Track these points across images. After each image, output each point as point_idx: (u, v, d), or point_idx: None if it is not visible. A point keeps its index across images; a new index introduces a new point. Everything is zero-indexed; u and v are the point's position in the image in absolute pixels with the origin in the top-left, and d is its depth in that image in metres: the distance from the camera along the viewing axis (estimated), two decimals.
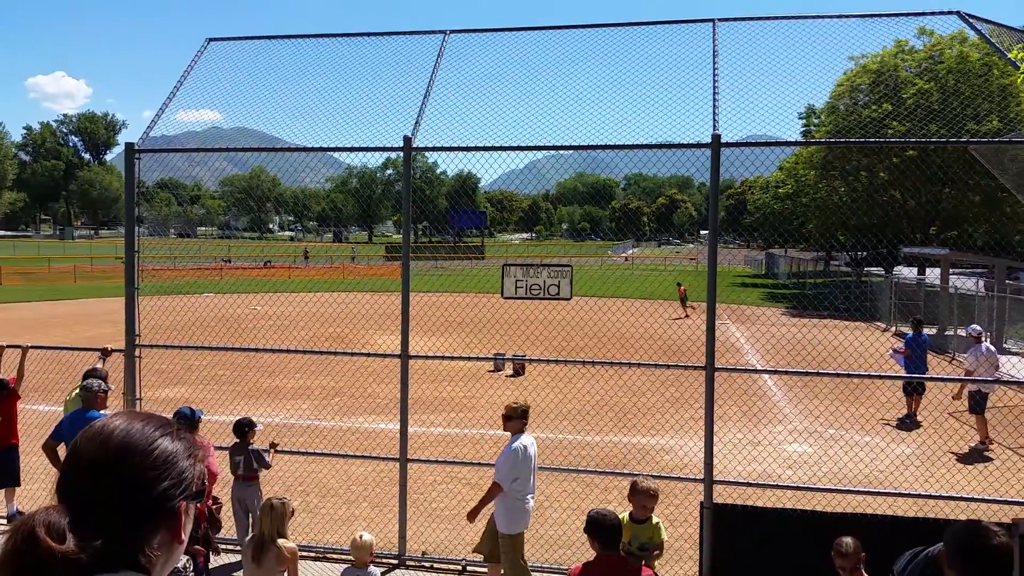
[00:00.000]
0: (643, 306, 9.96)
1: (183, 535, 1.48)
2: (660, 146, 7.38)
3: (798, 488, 8.04)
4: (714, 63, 7.27)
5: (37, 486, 9.46)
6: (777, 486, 8.35)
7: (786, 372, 8.25)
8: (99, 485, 1.40)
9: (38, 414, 11.95)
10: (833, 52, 7.70)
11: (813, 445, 11.69)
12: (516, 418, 6.81)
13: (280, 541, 5.59)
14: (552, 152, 8.16)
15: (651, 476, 7.30)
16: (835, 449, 10.80)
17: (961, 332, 19.25)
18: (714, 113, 7.00)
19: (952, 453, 11.17)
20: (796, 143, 21.09)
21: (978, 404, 11.71)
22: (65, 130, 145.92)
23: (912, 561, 3.46)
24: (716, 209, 7.03)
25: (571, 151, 8.12)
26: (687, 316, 26.49)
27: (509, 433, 6.85)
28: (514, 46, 8.41)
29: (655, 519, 5.74)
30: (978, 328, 13.10)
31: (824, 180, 35.66)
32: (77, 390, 7.79)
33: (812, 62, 7.47)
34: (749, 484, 7.76)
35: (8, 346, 8.90)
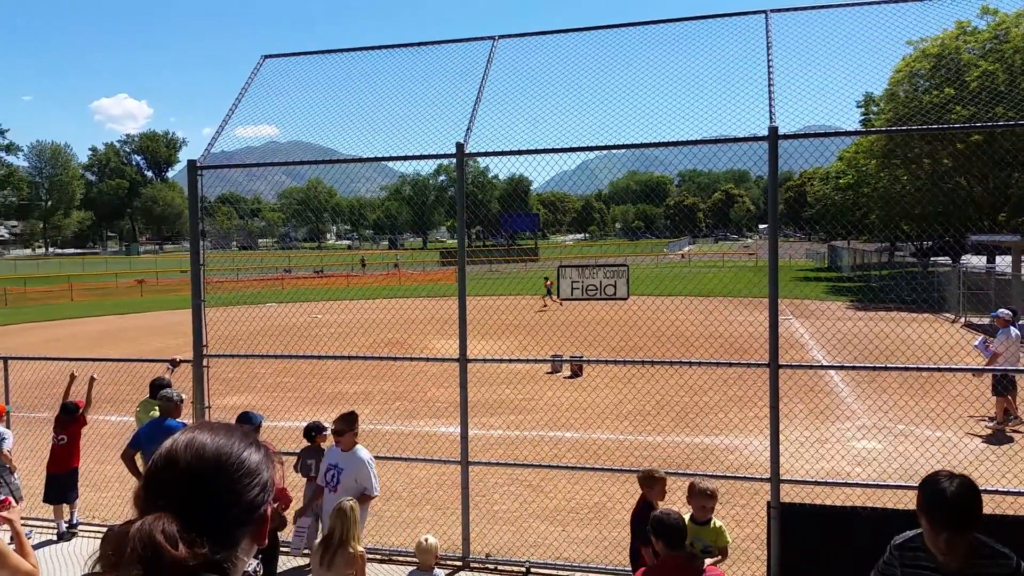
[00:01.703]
0: (702, 304, 9.84)
1: (265, 539, 1.58)
2: (715, 141, 7.28)
3: (868, 485, 7.84)
4: (768, 54, 7.16)
5: (109, 494, 9.82)
6: (846, 484, 8.15)
7: (852, 367, 8.06)
8: (199, 494, 1.47)
9: (110, 424, 12.40)
10: (890, 38, 7.49)
11: (882, 441, 11.38)
12: (349, 431, 6.75)
13: (350, 544, 5.67)
14: (604, 152, 8.13)
15: (714, 476, 7.23)
16: (905, 445, 10.50)
17: None
18: (770, 105, 6.89)
19: None
20: (855, 132, 20.66)
21: (1003, 386, 11.35)
22: (128, 150, 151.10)
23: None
24: (775, 202, 6.91)
25: (623, 150, 8.07)
26: (545, 307, 26.73)
27: (343, 448, 6.79)
28: (563, 48, 8.41)
29: (716, 521, 5.64)
30: (1007, 311, 12.60)
31: (886, 169, 34.70)
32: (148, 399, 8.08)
33: (868, 49, 7.30)
34: (817, 483, 7.59)
35: (75, 376, 9.26)
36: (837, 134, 8.01)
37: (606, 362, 8.33)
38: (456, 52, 8.67)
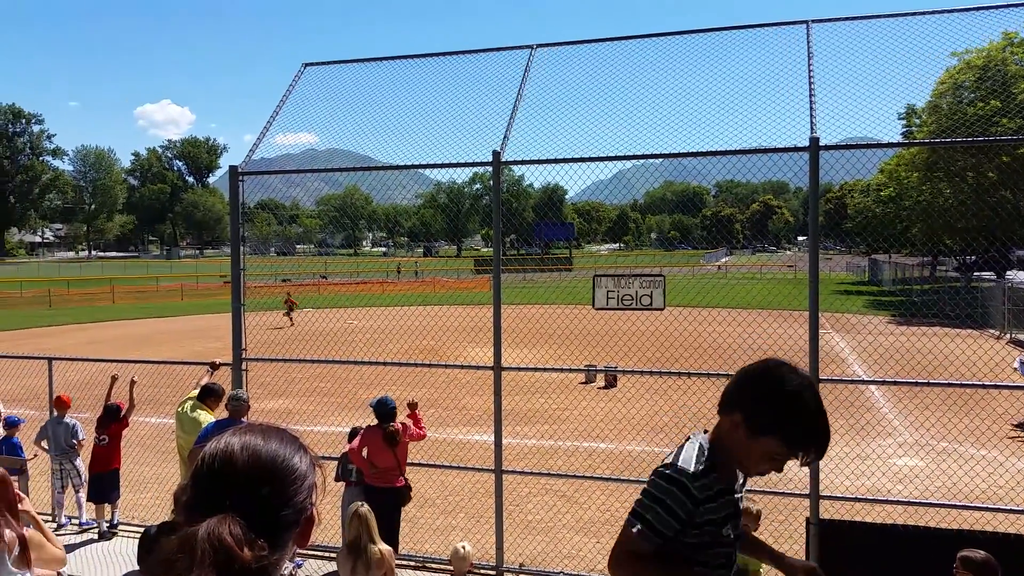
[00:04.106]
0: (740, 316, 9.71)
1: (308, 541, 1.61)
2: (754, 151, 7.20)
3: (909, 503, 7.67)
4: (809, 65, 7.09)
5: (148, 495, 9.99)
6: (887, 501, 7.99)
7: (894, 382, 7.89)
8: (256, 496, 1.49)
9: (149, 426, 12.62)
10: (934, 49, 7.35)
11: (924, 459, 11.13)
12: None
13: (375, 546, 5.70)
14: (640, 161, 8.09)
15: (752, 492, 7.11)
16: (948, 463, 10.26)
17: None
18: (811, 115, 6.81)
19: None
20: (898, 144, 20.26)
21: None
22: (170, 155, 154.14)
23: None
24: (816, 214, 6.82)
25: (659, 159, 8.03)
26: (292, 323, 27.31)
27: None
28: (601, 57, 8.40)
29: None
30: None
31: (928, 182, 34.03)
32: (189, 401, 8.20)
33: (911, 60, 7.17)
34: (857, 499, 7.46)
35: (116, 378, 9.48)
36: (879, 146, 7.89)
37: (641, 373, 8.27)
38: (494, 61, 8.71)
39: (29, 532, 4.10)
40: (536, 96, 8.15)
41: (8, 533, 3.95)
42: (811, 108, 6.83)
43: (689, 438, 2.65)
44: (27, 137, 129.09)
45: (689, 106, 7.96)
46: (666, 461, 2.55)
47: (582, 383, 17.54)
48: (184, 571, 1.36)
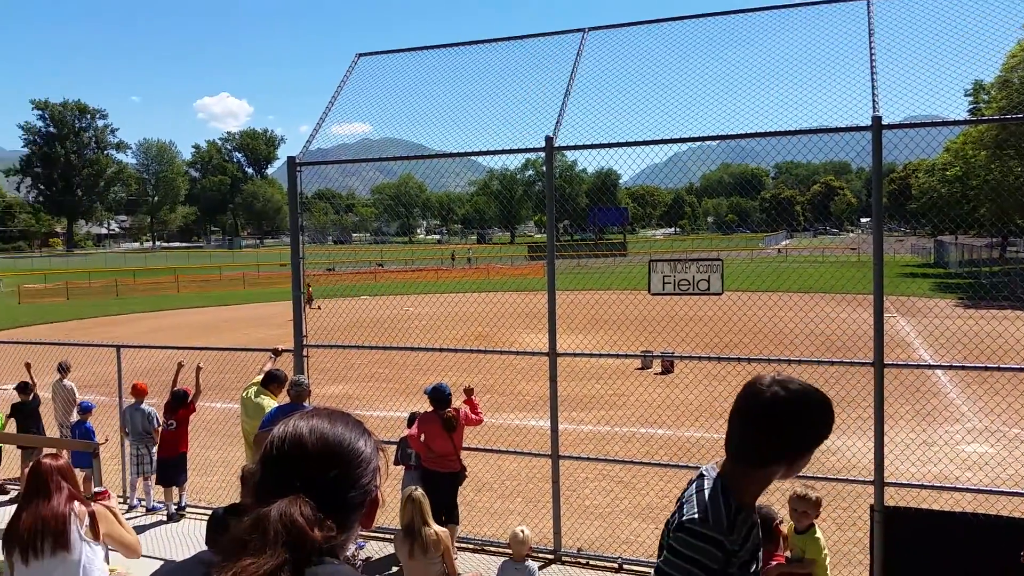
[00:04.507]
0: (801, 300, 9.48)
1: (372, 523, 1.65)
2: (814, 131, 7.02)
3: (978, 491, 7.42)
4: (870, 42, 6.86)
5: (214, 479, 10.28)
6: (955, 488, 7.76)
7: (962, 367, 7.64)
8: (325, 478, 1.52)
9: (215, 411, 12.98)
10: (1002, 22, 7.03)
11: (994, 446, 10.77)
12: None
13: (429, 528, 5.76)
14: (696, 144, 7.95)
15: (815, 478, 6.98)
16: (1021, 450, 9.91)
17: None
18: (873, 94, 6.61)
19: None
20: (964, 122, 19.48)
21: None
22: (229, 147, 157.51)
23: None
24: (880, 195, 6.63)
25: (716, 141, 7.88)
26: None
27: None
28: (655, 38, 8.27)
29: (816, 532, 5.37)
30: None
31: (997, 161, 32.78)
32: (253, 387, 8.40)
33: (978, 34, 6.87)
34: (923, 486, 7.27)
35: (183, 365, 9.80)
36: (945, 123, 7.60)
37: (699, 358, 8.17)
38: (545, 46, 8.65)
39: (99, 509, 4.31)
40: (588, 80, 8.08)
41: (78, 506, 4.18)
42: (873, 86, 6.63)
43: (703, 475, 2.49)
44: (92, 132, 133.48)
45: (746, 86, 7.80)
46: (692, 515, 2.33)
47: (638, 369, 17.43)
48: (257, 551, 1.39)
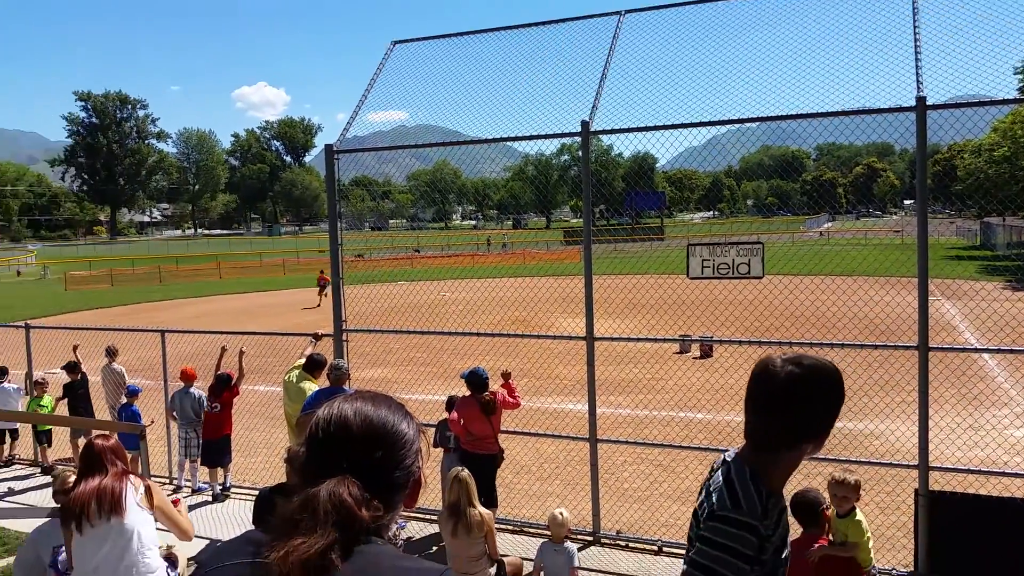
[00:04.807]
0: (844, 283, 9.33)
1: (415, 502, 1.68)
2: (856, 112, 6.87)
3: None
4: (914, 20, 6.70)
5: (258, 460, 10.48)
6: (1002, 473, 7.61)
7: (1010, 351, 7.46)
8: (370, 459, 1.56)
9: (257, 394, 13.22)
10: None
11: None
12: None
13: (473, 508, 5.82)
14: (735, 126, 7.84)
15: (858, 462, 6.91)
16: None
17: None
18: (917, 73, 6.46)
19: None
20: (1013, 101, 18.87)
21: None
22: (268, 136, 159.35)
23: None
24: (924, 176, 6.50)
25: (755, 123, 7.77)
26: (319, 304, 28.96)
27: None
28: (692, 20, 8.14)
29: (858, 514, 5.33)
30: None
31: None
32: (295, 371, 8.53)
33: None
34: (969, 471, 7.13)
35: (226, 349, 9.98)
36: (992, 103, 7.43)
37: (739, 342, 8.09)
38: (581, 29, 8.58)
39: (155, 485, 4.51)
40: (625, 63, 8.00)
41: (134, 477, 4.43)
42: (917, 66, 6.48)
43: (727, 462, 2.46)
44: (133, 122, 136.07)
45: (786, 66, 7.66)
46: (724, 502, 2.31)
47: (676, 353, 17.33)
48: (308, 530, 1.42)
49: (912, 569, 6.57)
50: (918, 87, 6.37)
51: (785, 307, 10.28)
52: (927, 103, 6.30)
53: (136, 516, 4.28)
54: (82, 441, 10.52)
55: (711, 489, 2.43)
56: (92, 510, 4.11)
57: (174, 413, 9.94)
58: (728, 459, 2.50)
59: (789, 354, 2.39)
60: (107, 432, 4.84)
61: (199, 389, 9.96)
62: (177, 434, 10.06)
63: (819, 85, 7.41)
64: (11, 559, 7.63)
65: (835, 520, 5.29)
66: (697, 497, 2.64)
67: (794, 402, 2.29)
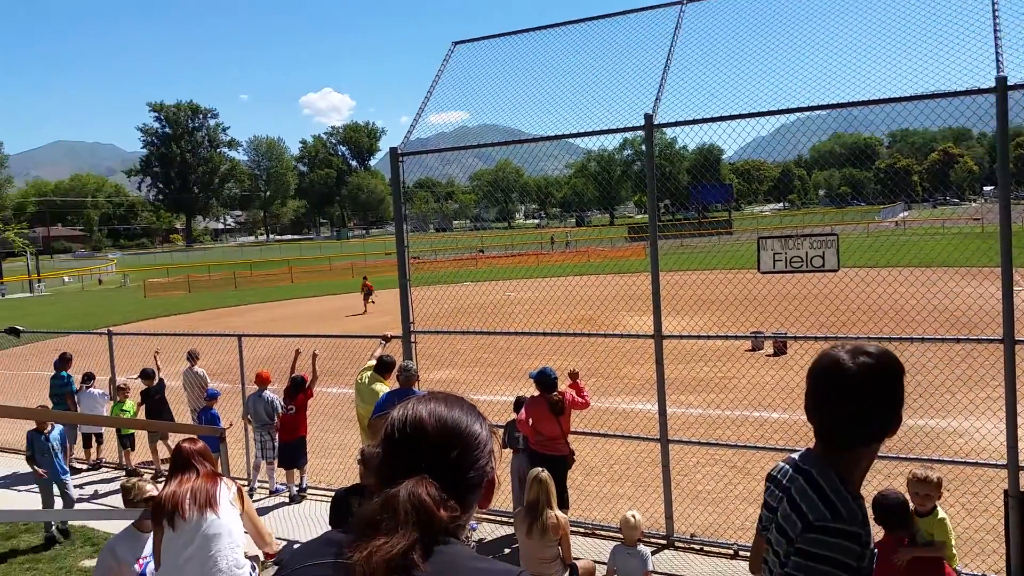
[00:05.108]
0: (922, 274, 8.97)
1: (489, 503, 1.69)
2: (931, 96, 6.59)
3: None
4: None
5: (332, 461, 10.66)
6: None
7: None
8: (446, 460, 1.57)
9: (332, 396, 13.46)
10: None
11: None
12: None
13: (551, 511, 5.80)
14: (804, 114, 7.62)
15: (941, 461, 6.64)
16: None
17: None
18: (996, 53, 6.15)
19: None
20: None
21: None
22: (334, 141, 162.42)
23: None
24: (1006, 161, 6.19)
25: (825, 111, 7.53)
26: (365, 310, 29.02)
27: None
28: (755, 5, 7.96)
29: (940, 512, 5.12)
30: None
31: None
32: (368, 372, 8.66)
33: None
34: None
35: (300, 352, 10.21)
36: None
37: (814, 339, 7.85)
38: (642, 21, 8.46)
39: (245, 492, 4.72)
40: (687, 54, 7.86)
41: (226, 479, 4.63)
42: (996, 45, 6.18)
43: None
44: (205, 131, 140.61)
45: (855, 51, 7.41)
46: (821, 512, 2.19)
47: (748, 351, 16.98)
48: (390, 531, 1.44)
49: (1005, 574, 6.27)
50: (998, 67, 6.08)
51: (861, 301, 9.97)
52: (1008, 83, 6.00)
53: (228, 514, 4.47)
54: (160, 446, 10.92)
55: (796, 500, 2.31)
56: (186, 506, 4.31)
57: (248, 416, 10.19)
58: (801, 465, 2.39)
59: (848, 346, 2.32)
60: (194, 436, 5.02)
61: (272, 392, 10.19)
62: (252, 437, 10.31)
63: (890, 69, 7.15)
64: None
65: (918, 520, 5.11)
66: (767, 510, 2.53)
67: (873, 394, 2.23)
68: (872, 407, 2.22)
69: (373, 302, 30.85)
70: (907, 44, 7.08)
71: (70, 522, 8.83)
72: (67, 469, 8.98)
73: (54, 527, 8.58)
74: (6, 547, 8.47)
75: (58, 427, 8.95)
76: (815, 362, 2.36)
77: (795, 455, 2.51)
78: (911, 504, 5.09)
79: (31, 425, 8.87)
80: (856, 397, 2.22)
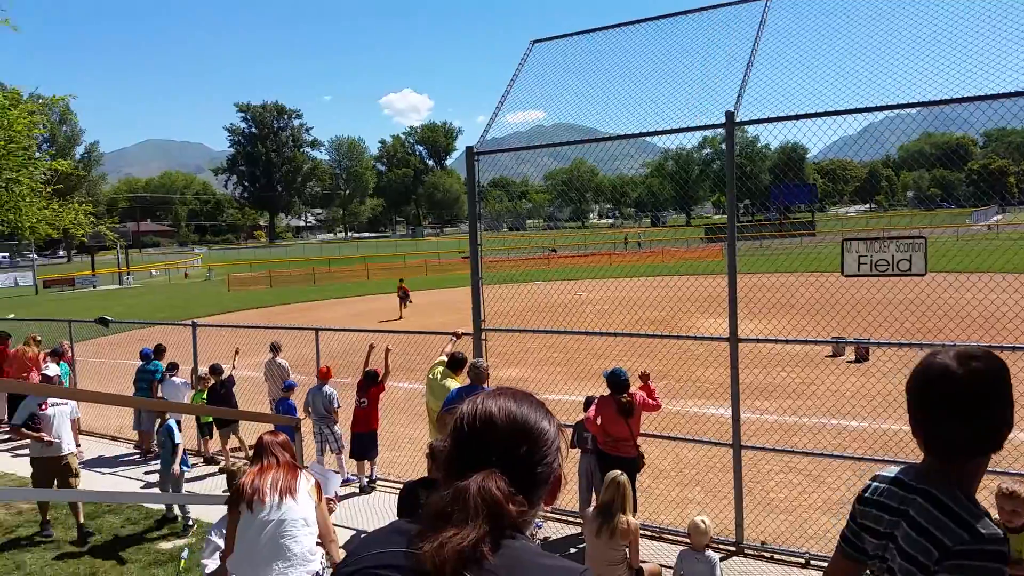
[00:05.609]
0: (1015, 281, 8.49)
1: (555, 499, 1.69)
2: None
3: None
4: None
5: (402, 454, 10.80)
6: None
7: None
8: (515, 454, 1.57)
9: (403, 391, 13.65)
10: None
11: None
12: None
13: (624, 515, 5.72)
14: (892, 112, 7.30)
15: (1015, 474, 6.26)
16: None
17: None
18: None
19: None
20: None
21: None
22: (412, 140, 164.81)
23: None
24: None
25: (915, 109, 7.20)
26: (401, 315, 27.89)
27: None
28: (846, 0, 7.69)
29: None
30: None
31: None
32: (440, 367, 8.73)
33: None
34: None
35: (373, 347, 10.38)
36: None
37: (899, 345, 7.53)
38: (724, 17, 8.27)
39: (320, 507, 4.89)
40: (771, 50, 7.64)
41: (305, 472, 4.82)
42: None
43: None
44: (289, 131, 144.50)
45: (947, 45, 7.06)
46: (957, 537, 2.03)
47: (828, 356, 16.46)
48: (460, 522, 1.45)
49: None
50: None
51: (949, 307, 9.52)
52: None
53: (306, 503, 4.66)
54: (231, 439, 11.24)
55: (922, 523, 2.13)
56: (266, 492, 4.51)
57: (309, 409, 10.38)
58: (915, 484, 2.22)
59: (951, 351, 2.19)
60: (274, 428, 5.19)
61: (332, 387, 10.37)
62: (312, 430, 10.51)
63: (985, 65, 6.79)
64: (179, 541, 8.25)
65: (1010, 536, 4.84)
66: (871, 536, 2.33)
67: (988, 400, 2.11)
68: (992, 414, 2.11)
69: (409, 303, 29.78)
70: (1002, 37, 6.71)
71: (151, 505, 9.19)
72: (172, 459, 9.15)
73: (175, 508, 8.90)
74: (92, 526, 8.85)
75: (169, 420, 9.26)
76: (919, 372, 2.23)
77: (887, 472, 2.36)
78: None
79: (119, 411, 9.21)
80: (968, 404, 2.10)
